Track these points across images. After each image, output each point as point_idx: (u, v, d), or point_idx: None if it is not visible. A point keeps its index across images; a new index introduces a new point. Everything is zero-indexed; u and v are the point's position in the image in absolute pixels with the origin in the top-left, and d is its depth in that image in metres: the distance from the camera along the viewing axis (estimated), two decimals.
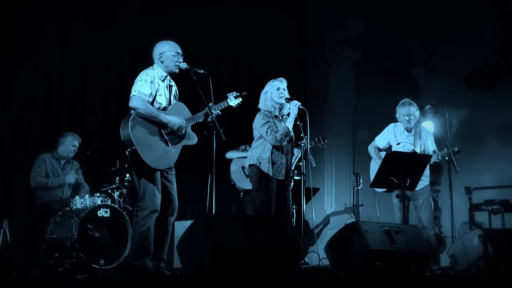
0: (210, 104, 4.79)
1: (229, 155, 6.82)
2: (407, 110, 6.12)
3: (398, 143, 6.18)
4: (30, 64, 6.99)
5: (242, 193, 6.78)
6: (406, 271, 4.98)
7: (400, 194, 5.65)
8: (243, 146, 6.88)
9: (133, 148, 4.52)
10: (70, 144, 6.48)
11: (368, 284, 4.55)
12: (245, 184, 6.70)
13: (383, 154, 6.24)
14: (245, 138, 6.92)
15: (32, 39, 6.97)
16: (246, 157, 6.74)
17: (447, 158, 5.99)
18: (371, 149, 6.40)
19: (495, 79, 8.43)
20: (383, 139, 6.33)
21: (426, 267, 5.46)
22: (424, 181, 6.05)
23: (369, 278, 4.70)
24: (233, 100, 5.11)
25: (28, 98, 6.99)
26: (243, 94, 5.17)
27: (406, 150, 6.09)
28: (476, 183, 7.75)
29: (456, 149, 6.09)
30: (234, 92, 5.14)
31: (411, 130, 6.19)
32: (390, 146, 6.30)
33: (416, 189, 5.97)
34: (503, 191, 7.79)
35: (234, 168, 6.79)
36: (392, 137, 6.26)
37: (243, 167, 6.76)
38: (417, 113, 6.18)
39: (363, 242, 4.78)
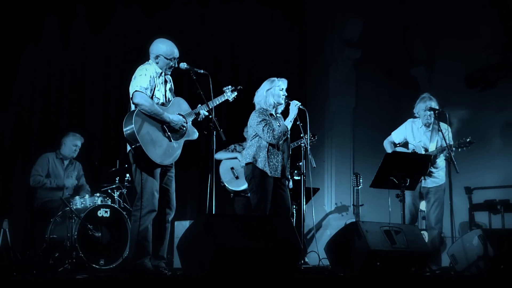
0: (210, 102, 4.83)
1: (218, 156, 6.76)
2: (428, 105, 6.05)
3: (419, 141, 6.14)
4: (29, 64, 6.99)
5: (232, 194, 6.77)
6: (406, 271, 4.98)
7: (400, 194, 5.65)
8: (232, 146, 6.85)
9: (138, 144, 4.52)
10: (71, 144, 6.49)
11: (368, 284, 4.55)
12: (234, 185, 6.69)
13: (399, 149, 6.21)
14: (236, 137, 6.94)
15: (32, 38, 6.97)
16: (235, 157, 6.74)
17: (447, 157, 5.97)
18: (386, 144, 6.31)
19: (495, 79, 8.42)
20: (400, 134, 6.27)
21: (426, 267, 5.47)
22: (440, 179, 6.06)
23: (369, 278, 4.70)
24: (229, 94, 5.15)
25: (27, 98, 7.00)
26: (238, 88, 5.21)
27: (422, 147, 6.07)
28: (476, 183, 7.75)
29: (468, 140, 6.01)
30: (230, 86, 5.18)
31: (430, 126, 6.15)
32: (407, 142, 6.27)
33: (430, 186, 6.01)
34: (503, 191, 7.78)
35: (223, 169, 6.77)
36: (409, 133, 6.21)
37: (232, 168, 6.74)
38: (435, 107, 6.09)
39: (363, 242, 4.78)
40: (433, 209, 6.06)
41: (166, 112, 4.69)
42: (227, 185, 6.69)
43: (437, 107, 6.07)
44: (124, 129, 4.58)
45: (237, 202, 6.78)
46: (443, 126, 6.19)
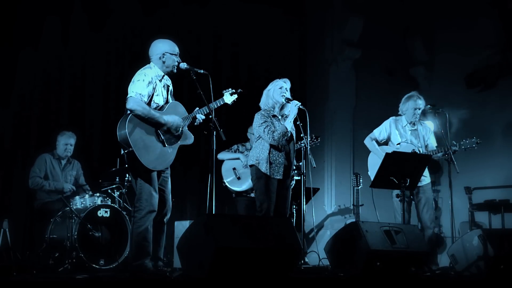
0: (206, 107, 4.82)
1: (221, 156, 6.77)
2: (417, 104, 6.09)
3: (398, 142, 6.16)
4: (29, 64, 6.99)
5: (233, 194, 6.77)
6: (406, 271, 4.98)
7: (400, 194, 5.65)
8: (235, 146, 6.85)
9: (130, 149, 4.51)
10: (63, 143, 6.48)
11: (368, 284, 4.55)
12: (236, 185, 6.69)
13: (385, 148, 6.20)
14: (239, 137, 6.92)
15: (31, 37, 6.97)
16: (238, 158, 6.75)
17: (447, 157, 5.98)
18: (369, 142, 6.28)
19: (495, 79, 8.42)
20: (383, 132, 6.26)
21: (426, 267, 5.47)
22: (427, 178, 6.06)
23: (369, 278, 4.70)
24: (228, 97, 5.10)
25: (27, 98, 6.99)
26: (238, 91, 5.16)
27: (409, 145, 6.08)
28: (476, 183, 7.75)
29: (475, 140, 5.98)
30: (230, 89, 5.13)
31: (415, 124, 6.17)
32: (387, 140, 6.26)
33: (419, 185, 6.00)
34: (503, 191, 7.78)
35: (225, 169, 6.76)
36: (394, 131, 6.20)
37: (234, 168, 6.74)
38: (423, 106, 6.16)
39: (363, 242, 4.78)
40: (426, 209, 6.02)
41: (162, 115, 4.67)
42: (228, 185, 6.70)
43: (423, 106, 6.13)
44: (117, 133, 4.57)
45: (239, 203, 6.78)
46: (427, 127, 6.23)
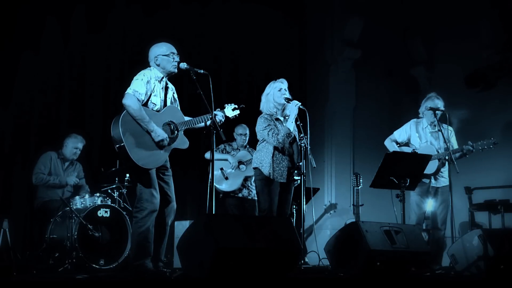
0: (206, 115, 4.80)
1: (208, 155, 6.76)
2: (435, 103, 6.10)
3: (417, 142, 6.17)
4: (30, 65, 6.99)
5: (221, 195, 6.77)
6: (406, 271, 4.98)
7: (400, 194, 5.66)
8: (222, 146, 6.85)
9: (122, 144, 4.51)
10: (72, 146, 6.51)
11: (368, 284, 4.55)
12: (223, 186, 6.70)
13: (405, 149, 6.22)
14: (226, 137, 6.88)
15: (32, 38, 6.98)
16: (226, 159, 6.76)
17: (447, 157, 6.00)
18: (389, 143, 6.31)
19: (495, 79, 8.42)
20: (403, 134, 6.29)
21: (426, 267, 5.47)
22: (446, 179, 6.09)
23: (369, 278, 4.71)
24: (230, 112, 5.12)
25: (28, 98, 7.00)
26: (241, 106, 5.18)
27: (429, 146, 6.09)
28: (476, 183, 7.75)
29: (493, 141, 6.05)
30: (232, 104, 5.16)
31: (435, 126, 6.18)
32: (408, 142, 6.28)
33: (439, 186, 6.07)
34: (503, 191, 7.78)
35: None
36: (414, 133, 6.23)
37: (221, 168, 6.74)
38: (441, 106, 6.15)
39: (363, 242, 4.78)
40: (440, 209, 6.08)
41: (157, 118, 4.64)
42: (216, 186, 6.66)
43: (442, 107, 6.11)
44: (111, 128, 4.58)
45: (228, 203, 6.79)
46: (449, 127, 6.24)
